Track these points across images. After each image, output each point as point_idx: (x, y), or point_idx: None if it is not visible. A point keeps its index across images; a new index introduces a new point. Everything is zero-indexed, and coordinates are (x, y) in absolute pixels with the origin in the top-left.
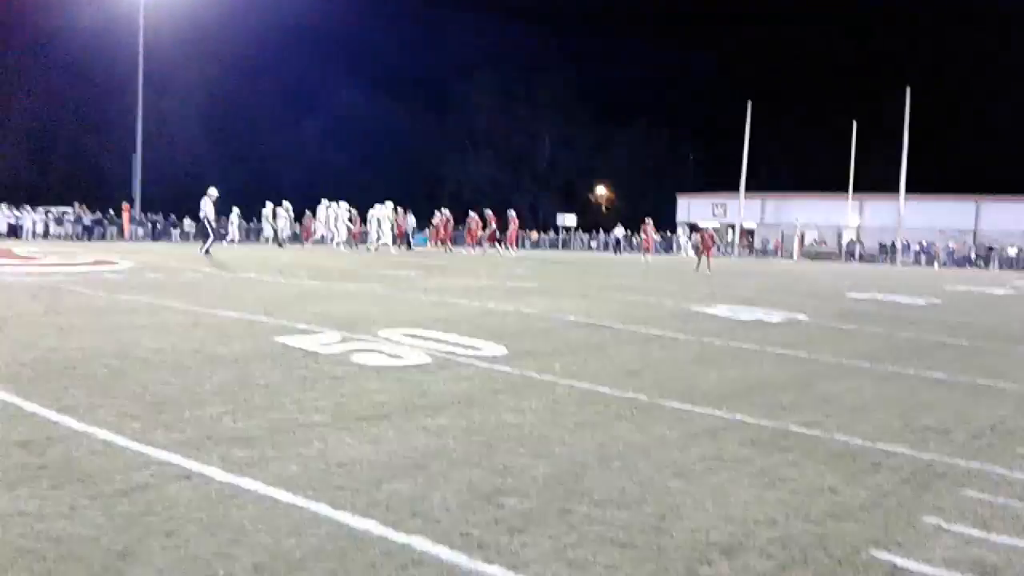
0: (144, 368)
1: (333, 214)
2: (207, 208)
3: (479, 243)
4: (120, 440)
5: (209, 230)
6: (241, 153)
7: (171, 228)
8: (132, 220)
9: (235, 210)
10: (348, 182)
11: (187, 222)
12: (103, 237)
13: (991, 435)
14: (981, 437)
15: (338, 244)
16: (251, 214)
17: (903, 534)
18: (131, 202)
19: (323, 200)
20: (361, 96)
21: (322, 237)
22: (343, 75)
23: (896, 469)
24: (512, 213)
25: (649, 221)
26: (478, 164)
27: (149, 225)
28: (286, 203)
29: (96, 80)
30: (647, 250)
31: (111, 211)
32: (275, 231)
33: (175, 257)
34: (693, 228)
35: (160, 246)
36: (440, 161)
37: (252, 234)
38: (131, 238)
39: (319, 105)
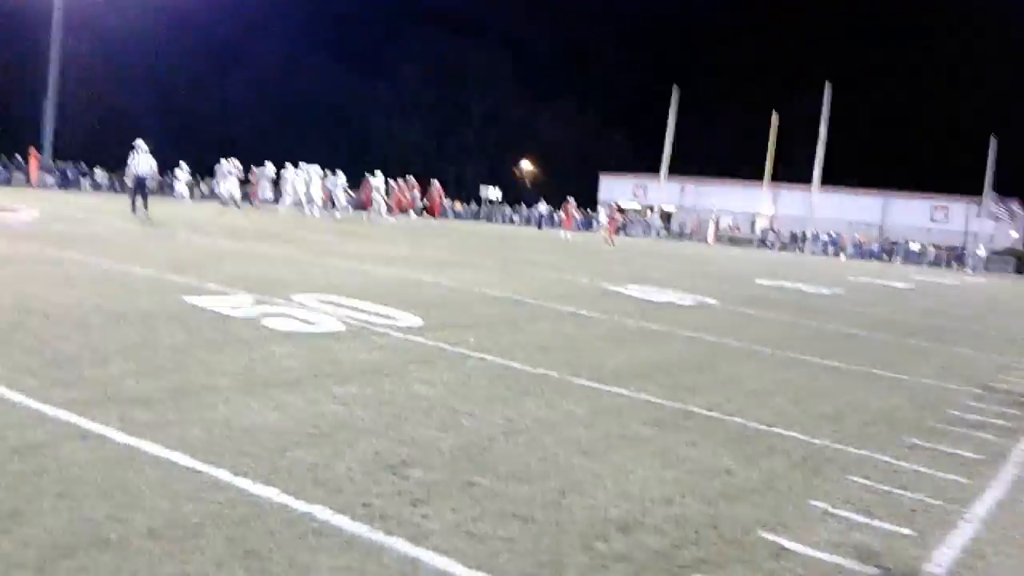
0: (44, 323)
1: (305, 178)
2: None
3: (402, 211)
4: (15, 396)
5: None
6: (161, 104)
7: (81, 177)
8: (40, 167)
9: (183, 165)
10: (271, 140)
11: (99, 172)
12: (7, 183)
13: (881, 424)
14: (872, 425)
15: (317, 210)
16: (168, 167)
17: (791, 517)
18: (40, 148)
19: (289, 164)
20: (288, 52)
21: (274, 199)
22: (271, 28)
23: (789, 453)
24: (436, 183)
25: (571, 200)
26: (405, 130)
27: (58, 173)
28: (235, 160)
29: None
30: (567, 228)
31: (17, 156)
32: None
33: (84, 208)
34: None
35: (70, 196)
36: (367, 124)
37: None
38: (38, 186)
39: (244, 59)
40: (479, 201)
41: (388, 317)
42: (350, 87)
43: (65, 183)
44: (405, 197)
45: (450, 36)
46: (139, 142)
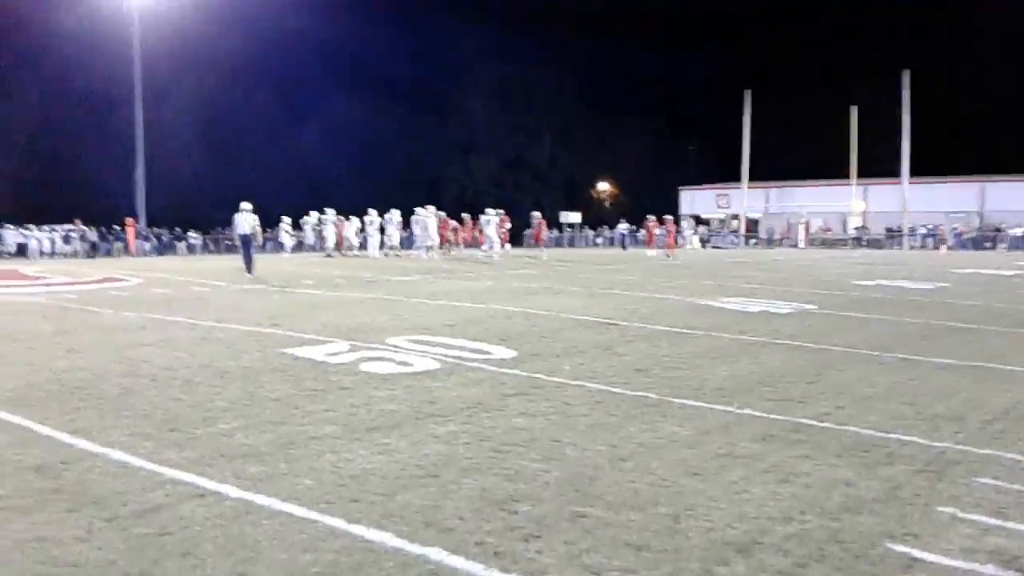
0: (154, 386)
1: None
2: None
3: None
4: (134, 460)
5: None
6: (240, 163)
7: (175, 242)
8: (137, 235)
9: (285, 220)
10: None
11: (192, 235)
12: (108, 254)
13: (1004, 420)
14: (994, 423)
15: (427, 250)
16: (266, 224)
17: (919, 525)
18: (135, 217)
19: (371, 210)
20: (357, 103)
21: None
22: (338, 83)
23: (910, 459)
24: (537, 214)
25: (651, 217)
26: (478, 166)
27: (155, 240)
28: (330, 211)
29: (92, 95)
30: (650, 245)
31: (116, 227)
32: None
33: (182, 271)
34: (698, 220)
35: (166, 260)
36: (441, 164)
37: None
38: (137, 253)
39: (315, 113)
40: (560, 227)
41: (481, 352)
42: (421, 129)
43: (162, 248)
44: (468, 234)
45: (513, 65)
46: (244, 204)
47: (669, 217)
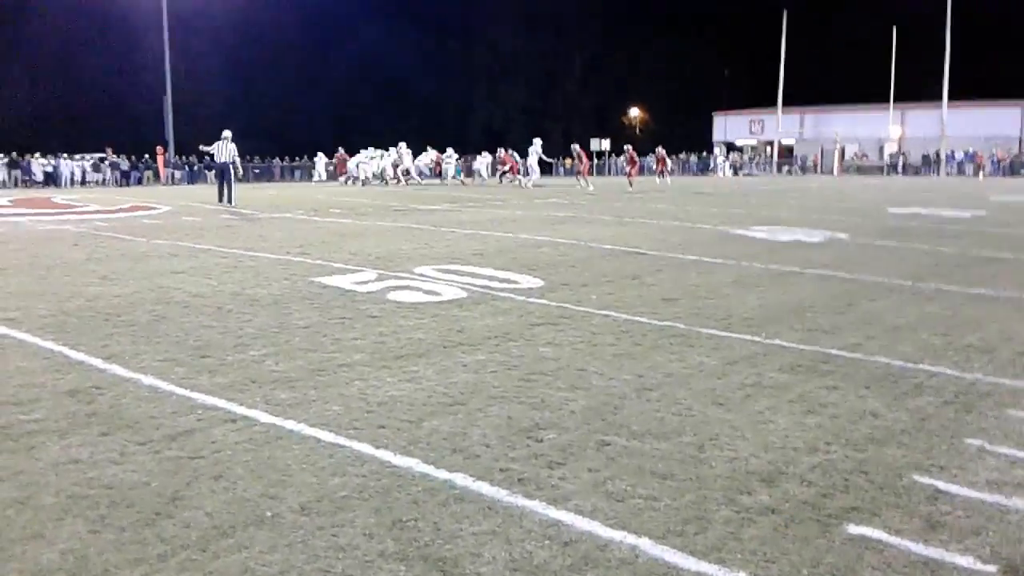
0: (185, 313)
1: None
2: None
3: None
4: (166, 385)
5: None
6: (270, 92)
7: (206, 171)
8: (167, 164)
9: (320, 156)
10: (375, 118)
11: None
12: (139, 182)
13: None
14: None
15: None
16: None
17: (946, 457)
18: (165, 146)
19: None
20: (382, 33)
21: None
22: (364, 13)
23: (939, 390)
24: (577, 147)
25: (659, 149)
26: (506, 93)
27: (184, 168)
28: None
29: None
30: (661, 173)
31: (146, 156)
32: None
33: (211, 199)
34: (730, 147)
35: (196, 189)
36: (468, 94)
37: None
38: (167, 182)
39: (341, 43)
40: (590, 155)
41: (509, 281)
42: (448, 58)
43: (191, 177)
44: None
45: None
46: (225, 132)
47: (628, 147)
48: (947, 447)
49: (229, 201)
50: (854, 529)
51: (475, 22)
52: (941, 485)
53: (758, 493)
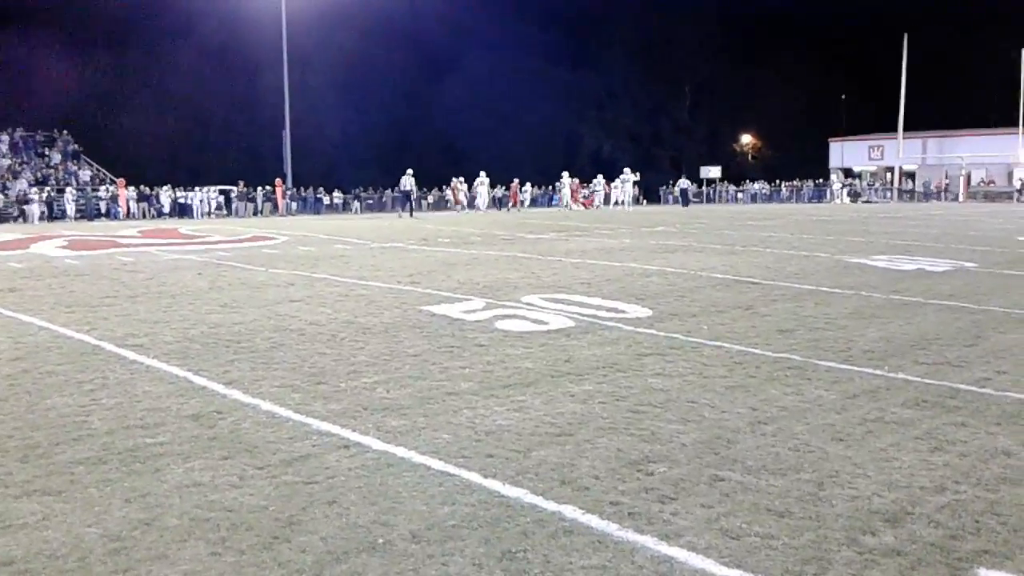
0: (301, 340)
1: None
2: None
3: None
4: (283, 411)
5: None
6: (381, 124)
7: (321, 202)
8: (285, 195)
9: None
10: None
11: (336, 194)
12: (258, 213)
13: None
14: None
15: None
16: (395, 181)
17: None
18: (283, 178)
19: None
20: (493, 59)
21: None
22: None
23: None
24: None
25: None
26: (616, 117)
27: (301, 200)
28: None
29: (242, 61)
30: (575, 202)
31: (266, 188)
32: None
33: (327, 230)
34: (847, 173)
35: (312, 220)
36: (579, 118)
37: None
38: (285, 213)
39: (453, 71)
40: (701, 183)
41: (616, 311)
42: (557, 84)
43: (307, 208)
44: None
45: (652, 13)
46: (408, 171)
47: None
48: None
49: (411, 215)
50: (985, 573)
51: (583, 49)
52: None
53: (882, 534)
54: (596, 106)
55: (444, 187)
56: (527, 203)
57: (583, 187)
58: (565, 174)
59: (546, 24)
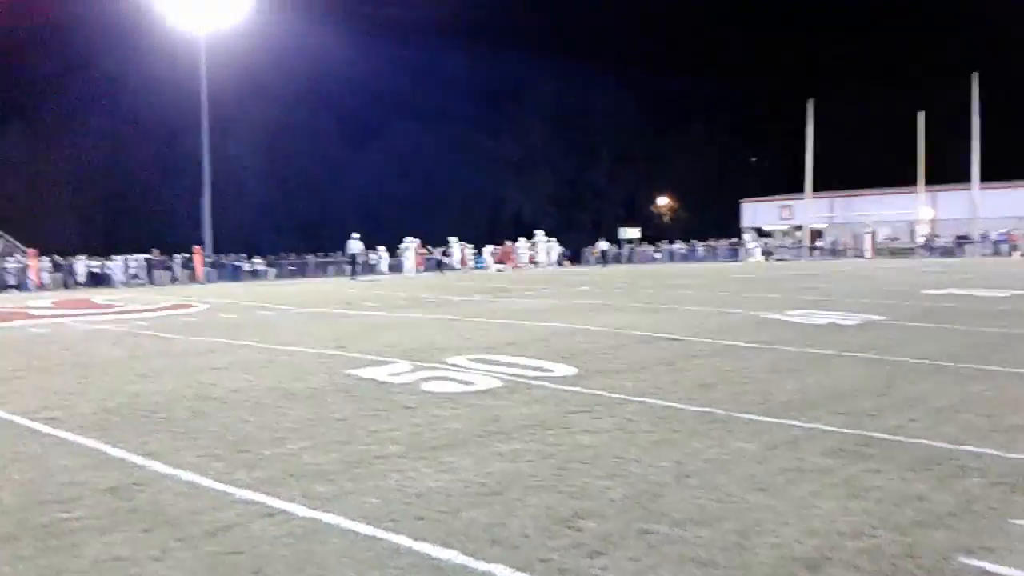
0: (223, 408)
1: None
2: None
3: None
4: (205, 481)
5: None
6: (303, 190)
7: (241, 268)
8: (204, 262)
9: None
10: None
11: (257, 260)
12: (174, 281)
13: None
14: None
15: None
16: (329, 248)
17: (994, 539)
18: (202, 244)
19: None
20: (415, 127)
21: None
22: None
23: (984, 471)
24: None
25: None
26: (536, 183)
27: (221, 266)
28: (410, 238)
29: (160, 127)
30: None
31: (184, 255)
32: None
33: (248, 296)
34: (760, 233)
35: (233, 286)
36: (499, 186)
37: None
38: (205, 280)
39: (376, 138)
40: (619, 243)
41: (543, 370)
42: (479, 152)
43: (227, 275)
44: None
45: (570, 84)
46: (354, 233)
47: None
48: (994, 529)
49: (353, 277)
50: None
51: (504, 116)
52: (989, 567)
53: None
54: (517, 171)
55: (371, 251)
56: (471, 264)
57: (509, 248)
58: (488, 249)
59: (468, 93)
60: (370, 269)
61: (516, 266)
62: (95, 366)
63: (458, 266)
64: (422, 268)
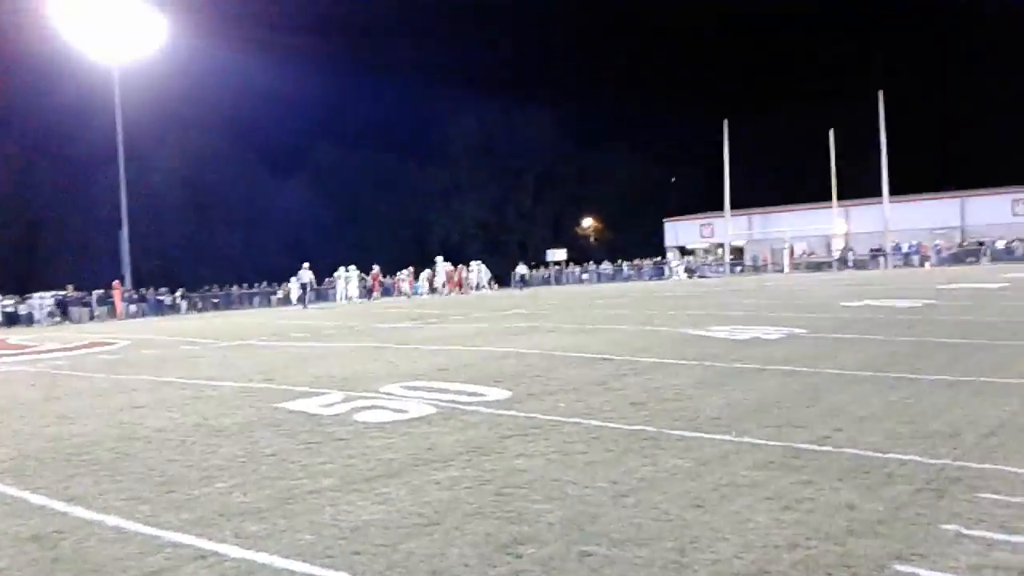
0: (148, 448)
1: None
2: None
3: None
4: (131, 525)
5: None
6: (227, 219)
7: (163, 302)
8: (123, 298)
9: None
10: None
11: (179, 294)
12: (93, 318)
13: (1002, 434)
14: (991, 437)
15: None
16: (253, 279)
17: (924, 545)
18: (121, 279)
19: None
20: (339, 156)
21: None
22: (321, 137)
23: (910, 478)
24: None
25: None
26: (464, 208)
27: (142, 301)
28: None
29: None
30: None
31: (102, 290)
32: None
33: (170, 331)
34: (682, 251)
35: (155, 321)
36: (426, 209)
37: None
38: (124, 316)
39: (300, 164)
40: (547, 265)
41: (476, 394)
42: (404, 179)
43: (149, 310)
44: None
45: (493, 106)
46: (305, 264)
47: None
48: (924, 534)
49: (304, 306)
50: None
51: (429, 145)
52: (923, 573)
53: None
54: (443, 197)
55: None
56: (410, 291)
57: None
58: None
59: (392, 122)
60: (322, 297)
61: (463, 292)
62: (10, 409)
63: (397, 292)
64: (378, 294)
